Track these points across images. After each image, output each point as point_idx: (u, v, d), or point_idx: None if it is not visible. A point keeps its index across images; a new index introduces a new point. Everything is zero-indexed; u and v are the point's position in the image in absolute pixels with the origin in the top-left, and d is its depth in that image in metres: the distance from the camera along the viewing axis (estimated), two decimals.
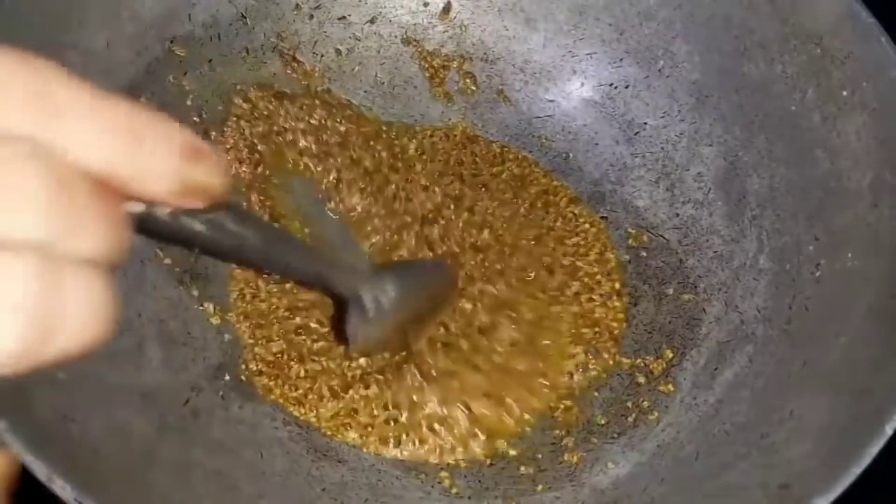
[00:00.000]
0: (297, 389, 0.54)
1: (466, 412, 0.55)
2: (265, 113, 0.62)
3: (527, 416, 0.55)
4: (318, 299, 0.57)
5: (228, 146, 0.61)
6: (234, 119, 0.62)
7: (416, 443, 0.53)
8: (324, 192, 0.62)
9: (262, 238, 0.36)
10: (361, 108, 0.67)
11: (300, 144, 0.62)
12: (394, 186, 0.63)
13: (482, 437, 0.54)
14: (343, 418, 0.53)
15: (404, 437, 0.53)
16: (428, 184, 0.64)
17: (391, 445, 0.53)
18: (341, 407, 0.54)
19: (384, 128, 0.66)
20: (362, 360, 0.55)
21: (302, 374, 0.55)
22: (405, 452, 0.53)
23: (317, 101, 0.64)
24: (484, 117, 0.68)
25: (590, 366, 0.57)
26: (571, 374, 0.57)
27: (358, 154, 0.63)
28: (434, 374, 0.55)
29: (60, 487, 0.38)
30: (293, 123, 0.62)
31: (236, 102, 0.62)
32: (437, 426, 0.54)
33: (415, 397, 0.55)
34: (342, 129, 0.64)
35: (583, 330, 0.59)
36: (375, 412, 0.54)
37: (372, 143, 0.64)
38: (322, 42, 0.67)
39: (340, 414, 0.54)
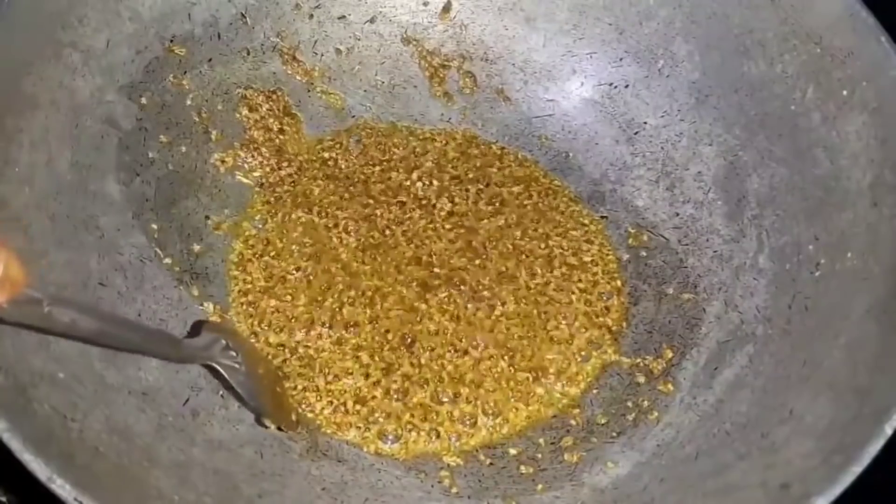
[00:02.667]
0: (296, 388, 0.54)
1: (466, 409, 0.55)
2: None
3: (526, 415, 0.55)
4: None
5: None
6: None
7: (415, 438, 0.54)
8: None
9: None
10: (362, 109, 0.67)
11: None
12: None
13: (482, 433, 0.54)
14: (342, 415, 0.54)
15: (404, 432, 0.53)
16: (430, 188, 0.64)
17: (390, 440, 0.53)
18: (339, 400, 0.54)
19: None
20: (363, 356, 0.55)
21: (301, 371, 0.55)
22: (404, 447, 0.53)
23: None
24: (484, 117, 0.68)
25: (590, 365, 0.57)
26: (571, 374, 0.57)
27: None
28: (434, 371, 0.56)
29: (60, 486, 0.38)
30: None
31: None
32: (436, 421, 0.54)
33: (415, 393, 0.55)
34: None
35: (583, 329, 0.59)
36: (374, 405, 0.54)
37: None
38: (322, 41, 0.67)
39: (339, 410, 0.54)
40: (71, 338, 0.42)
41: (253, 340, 0.56)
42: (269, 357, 0.55)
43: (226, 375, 0.49)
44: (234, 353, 0.49)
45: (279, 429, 0.51)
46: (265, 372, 0.53)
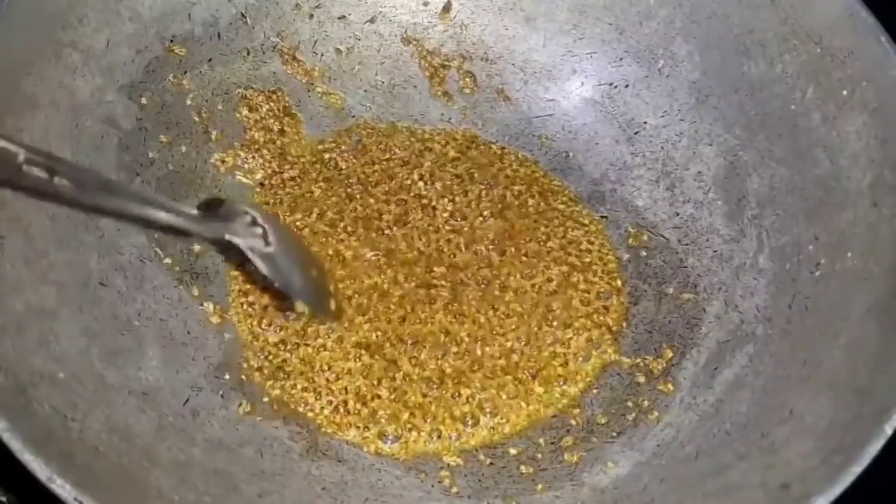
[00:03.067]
0: (296, 387, 0.54)
1: (466, 409, 0.55)
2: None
3: (526, 414, 0.55)
4: None
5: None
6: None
7: (415, 437, 0.54)
8: None
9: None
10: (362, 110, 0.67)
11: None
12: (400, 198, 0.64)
13: (482, 433, 0.54)
14: (342, 415, 0.54)
15: (404, 431, 0.53)
16: (430, 187, 0.64)
17: (390, 440, 0.53)
18: (340, 400, 0.54)
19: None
20: (363, 355, 0.55)
21: (301, 370, 0.55)
22: (404, 447, 0.53)
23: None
24: (484, 117, 0.68)
25: (590, 365, 0.57)
26: (571, 373, 0.57)
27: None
28: (434, 371, 0.56)
29: (60, 486, 0.38)
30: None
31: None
32: (437, 421, 0.54)
33: (415, 392, 0.55)
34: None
35: (583, 329, 0.59)
36: (374, 405, 0.54)
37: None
38: (322, 41, 0.67)
39: (339, 410, 0.54)
40: (53, 199, 0.38)
41: (252, 340, 0.56)
42: (274, 349, 0.55)
43: (249, 254, 0.44)
44: (259, 230, 0.44)
45: (315, 316, 0.46)
46: (301, 251, 0.47)
